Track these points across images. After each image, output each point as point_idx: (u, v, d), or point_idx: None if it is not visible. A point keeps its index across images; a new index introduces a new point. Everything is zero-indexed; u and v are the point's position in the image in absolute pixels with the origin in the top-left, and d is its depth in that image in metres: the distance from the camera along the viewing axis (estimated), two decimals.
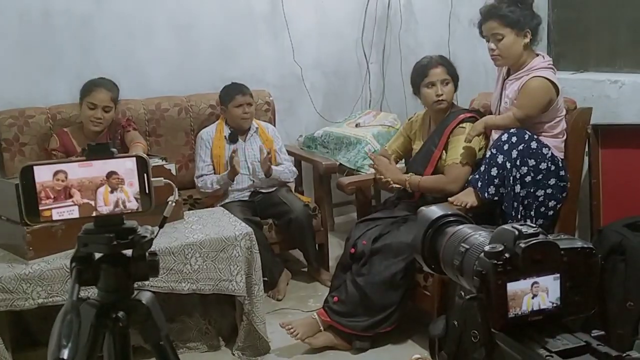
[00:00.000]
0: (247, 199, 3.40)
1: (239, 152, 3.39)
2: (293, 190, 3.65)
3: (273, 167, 3.37)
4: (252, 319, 2.64)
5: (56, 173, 1.06)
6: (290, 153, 3.76)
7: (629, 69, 2.97)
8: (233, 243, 2.60)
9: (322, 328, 2.72)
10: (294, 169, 3.58)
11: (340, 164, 3.72)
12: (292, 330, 2.68)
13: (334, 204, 4.16)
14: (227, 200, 3.34)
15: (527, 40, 2.65)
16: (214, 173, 3.41)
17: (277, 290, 3.28)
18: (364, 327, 2.67)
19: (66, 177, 1.07)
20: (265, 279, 2.86)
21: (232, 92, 3.43)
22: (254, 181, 3.42)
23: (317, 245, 3.46)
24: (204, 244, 2.55)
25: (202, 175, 3.41)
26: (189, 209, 3.17)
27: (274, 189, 3.45)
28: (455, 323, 1.04)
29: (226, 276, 2.58)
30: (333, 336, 2.72)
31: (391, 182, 2.93)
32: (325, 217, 3.56)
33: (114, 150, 1.09)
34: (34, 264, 2.33)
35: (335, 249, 3.57)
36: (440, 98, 2.87)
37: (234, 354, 2.72)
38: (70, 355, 0.84)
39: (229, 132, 3.46)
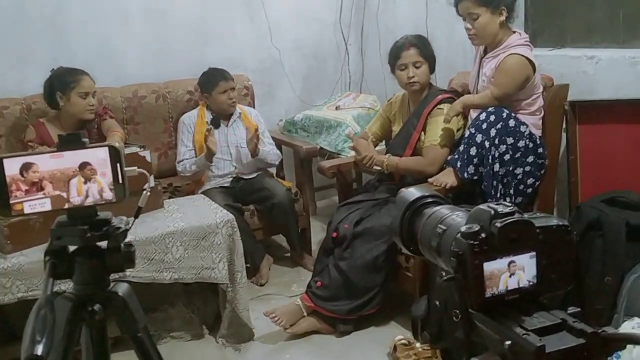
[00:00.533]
0: (228, 185, 3.38)
1: (221, 137, 3.36)
2: (275, 175, 3.64)
3: (260, 147, 3.34)
4: (236, 306, 2.63)
5: (26, 165, 1.04)
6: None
7: (606, 44, 2.98)
8: (214, 230, 2.58)
9: (305, 313, 2.73)
10: (279, 152, 3.56)
11: (321, 147, 3.71)
12: (276, 318, 2.68)
13: (316, 188, 4.16)
14: (208, 187, 3.32)
15: (502, 18, 2.64)
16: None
17: (259, 276, 3.28)
18: (347, 311, 2.68)
19: (37, 169, 1.05)
20: (247, 265, 2.86)
21: (215, 78, 3.39)
22: (236, 167, 3.40)
23: (299, 229, 3.46)
24: (184, 233, 2.53)
25: (182, 160, 3.38)
26: (169, 197, 3.14)
27: (255, 174, 3.43)
28: (437, 303, 1.05)
29: (208, 264, 2.56)
30: (317, 321, 2.73)
31: (369, 161, 2.92)
32: (307, 202, 3.55)
33: (86, 140, 1.07)
34: (13, 258, 2.30)
35: (318, 233, 3.58)
36: (411, 80, 2.87)
37: (218, 342, 2.71)
38: (45, 351, 0.83)
39: (211, 117, 3.43)
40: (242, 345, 2.68)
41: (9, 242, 2.32)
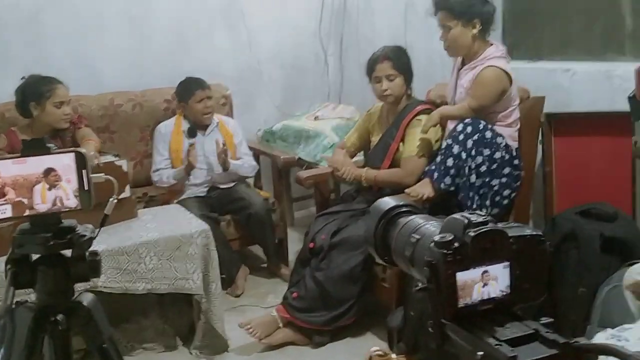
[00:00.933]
0: (204, 194, 3.34)
1: (197, 146, 3.33)
2: (252, 185, 3.61)
3: (231, 161, 3.32)
4: (210, 317, 2.59)
5: None
6: (249, 147, 3.70)
7: (581, 57, 3.01)
8: (189, 241, 2.54)
9: (281, 325, 2.70)
10: (254, 163, 3.53)
11: (299, 157, 3.69)
12: (251, 330, 2.65)
13: (294, 198, 4.14)
14: (183, 196, 3.28)
15: (475, 31, 2.64)
16: (172, 167, 3.35)
17: (235, 286, 3.24)
18: (323, 322, 2.66)
19: None
20: (223, 275, 2.82)
21: (191, 87, 3.36)
22: (211, 177, 3.36)
23: (276, 240, 3.42)
24: (158, 243, 2.49)
25: (158, 170, 3.34)
26: (145, 207, 3.09)
27: (232, 184, 3.40)
28: (412, 314, 1.03)
29: (182, 275, 2.52)
30: (292, 332, 2.70)
31: (348, 175, 2.92)
32: (284, 212, 3.52)
33: (51, 145, 1.04)
34: None
35: (295, 244, 3.55)
36: (385, 93, 2.87)
37: (191, 353, 2.67)
38: None
39: (188, 126, 3.40)
40: (216, 357, 2.64)
41: None
